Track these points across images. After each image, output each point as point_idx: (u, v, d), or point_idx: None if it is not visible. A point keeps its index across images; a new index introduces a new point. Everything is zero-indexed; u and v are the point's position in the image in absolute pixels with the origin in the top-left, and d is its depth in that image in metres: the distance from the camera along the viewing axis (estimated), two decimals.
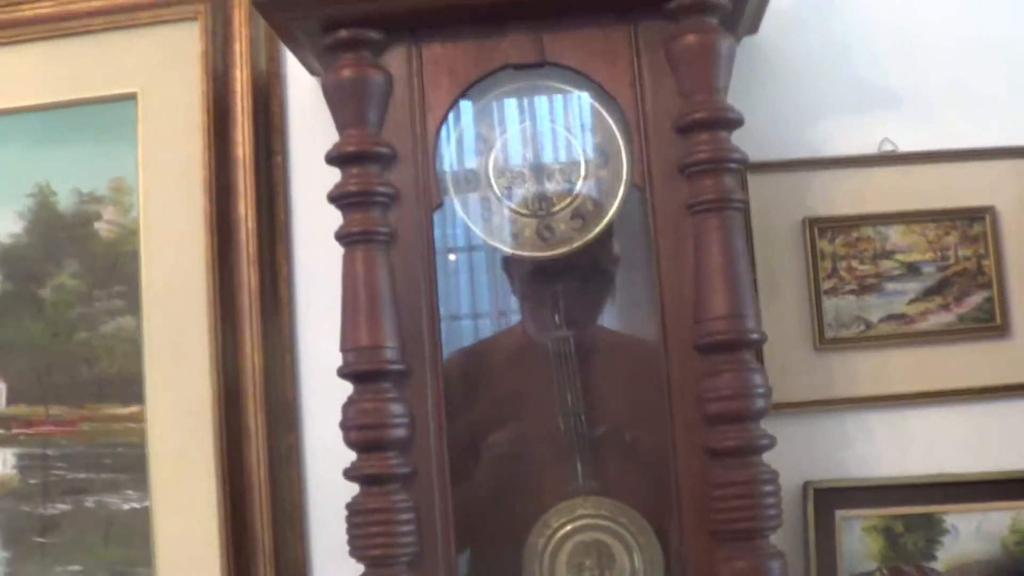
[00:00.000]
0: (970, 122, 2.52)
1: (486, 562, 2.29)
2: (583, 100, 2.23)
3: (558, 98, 2.26)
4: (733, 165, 2.08)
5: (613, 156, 2.19)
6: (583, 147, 2.22)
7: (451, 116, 2.20)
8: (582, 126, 2.24)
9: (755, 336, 2.04)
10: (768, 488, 2.00)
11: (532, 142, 2.24)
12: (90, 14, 2.66)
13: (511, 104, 2.25)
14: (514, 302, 2.40)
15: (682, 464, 2.05)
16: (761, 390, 2.02)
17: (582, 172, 2.21)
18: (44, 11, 2.67)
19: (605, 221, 2.17)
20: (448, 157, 2.23)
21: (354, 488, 2.12)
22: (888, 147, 2.51)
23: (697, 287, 2.05)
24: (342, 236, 2.12)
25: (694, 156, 2.06)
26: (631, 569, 2.21)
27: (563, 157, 2.23)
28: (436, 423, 2.10)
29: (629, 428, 2.29)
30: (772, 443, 2.03)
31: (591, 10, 2.15)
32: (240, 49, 2.62)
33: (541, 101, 2.26)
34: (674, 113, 2.10)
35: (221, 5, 2.61)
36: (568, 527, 2.23)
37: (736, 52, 2.22)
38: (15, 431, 2.64)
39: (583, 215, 2.18)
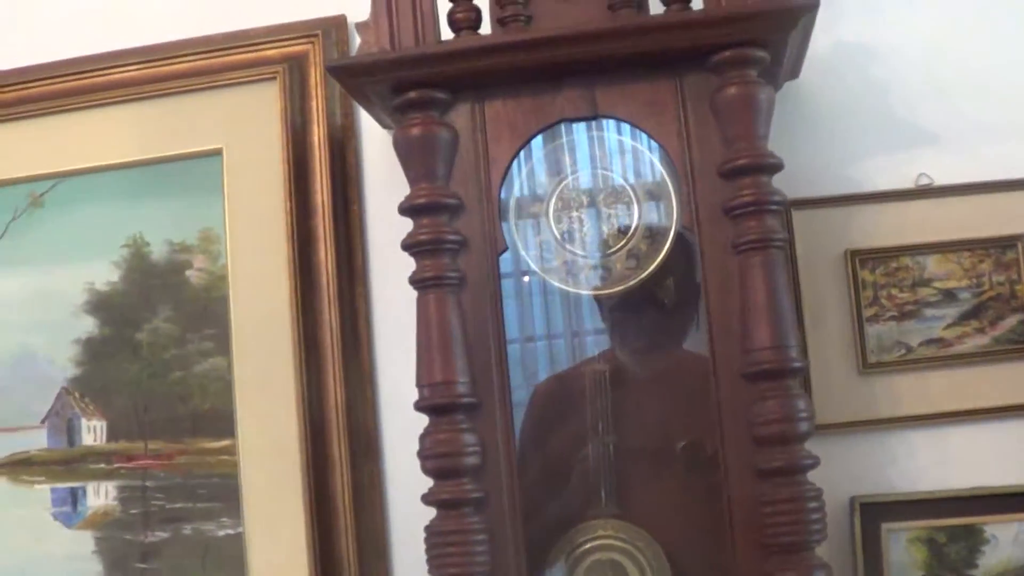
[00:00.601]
0: (1001, 155, 2.59)
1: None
2: (635, 149, 2.34)
3: (611, 148, 2.37)
4: (774, 207, 2.18)
5: (664, 200, 2.32)
6: (635, 192, 2.34)
7: (513, 167, 2.32)
8: (634, 173, 2.35)
9: (797, 364, 2.14)
10: (813, 504, 2.10)
11: (588, 189, 2.36)
12: (175, 76, 2.81)
13: (568, 154, 2.37)
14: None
15: (733, 483, 2.16)
16: (804, 414, 2.12)
17: (635, 215, 2.33)
18: (132, 74, 2.83)
19: (658, 260, 2.29)
20: (512, 205, 2.35)
21: (431, 512, 2.23)
22: (924, 181, 2.59)
23: (743, 320, 2.15)
24: (415, 281, 2.25)
25: (738, 199, 2.17)
26: None
27: (617, 202, 2.35)
28: (506, 450, 2.22)
29: (679, 447, 2.39)
30: (816, 463, 2.13)
31: (639, 65, 2.25)
32: (316, 106, 2.75)
33: (596, 151, 2.37)
34: (718, 159, 2.20)
35: (297, 65, 2.74)
36: (588, 545, 2.37)
37: (775, 100, 2.31)
38: (116, 465, 2.78)
39: (637, 255, 2.30)
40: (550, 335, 2.52)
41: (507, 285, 2.37)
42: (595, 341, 2.49)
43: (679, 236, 2.28)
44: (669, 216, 2.31)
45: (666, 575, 2.33)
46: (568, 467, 2.43)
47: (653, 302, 2.44)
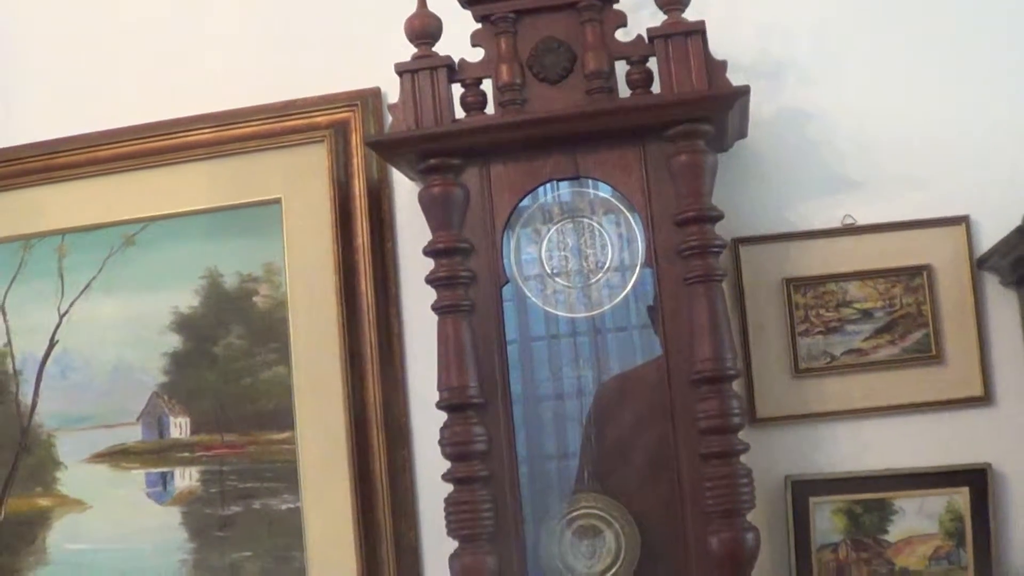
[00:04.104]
0: (911, 200, 2.89)
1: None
2: (609, 202, 2.73)
3: (591, 202, 2.74)
4: (715, 249, 2.57)
5: (631, 243, 2.70)
6: (609, 237, 2.73)
7: (513, 217, 2.71)
8: (608, 221, 2.73)
9: (732, 372, 2.54)
10: (744, 481, 2.51)
11: (573, 234, 2.74)
12: (242, 139, 3.11)
13: (556, 206, 2.75)
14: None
15: (683, 465, 2.57)
16: (737, 411, 2.53)
17: (608, 255, 2.73)
18: (206, 136, 3.13)
19: (626, 291, 2.71)
20: (512, 246, 2.73)
21: (449, 487, 2.61)
22: (849, 221, 2.90)
23: (691, 337, 2.56)
24: (436, 308, 2.64)
25: (687, 243, 2.57)
26: (615, 548, 2.69)
27: (595, 245, 2.73)
28: (506, 439, 2.62)
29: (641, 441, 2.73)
30: (746, 448, 2.53)
31: (613, 137, 2.64)
32: (357, 163, 3.06)
33: (577, 205, 2.75)
34: (673, 211, 2.59)
35: (342, 131, 3.07)
36: (573, 514, 2.71)
37: (725, 159, 2.76)
38: (198, 454, 3.09)
39: (610, 286, 2.72)
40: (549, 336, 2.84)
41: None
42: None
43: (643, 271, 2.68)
44: (635, 255, 2.70)
45: (635, 536, 2.67)
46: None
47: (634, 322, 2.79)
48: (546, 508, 2.74)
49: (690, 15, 2.68)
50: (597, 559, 2.70)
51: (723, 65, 2.67)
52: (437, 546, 2.83)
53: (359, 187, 3.08)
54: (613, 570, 2.70)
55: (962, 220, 2.91)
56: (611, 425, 2.78)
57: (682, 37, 2.65)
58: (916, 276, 2.91)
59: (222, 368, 3.12)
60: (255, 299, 3.12)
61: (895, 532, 2.83)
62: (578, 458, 2.77)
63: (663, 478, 2.64)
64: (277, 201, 3.12)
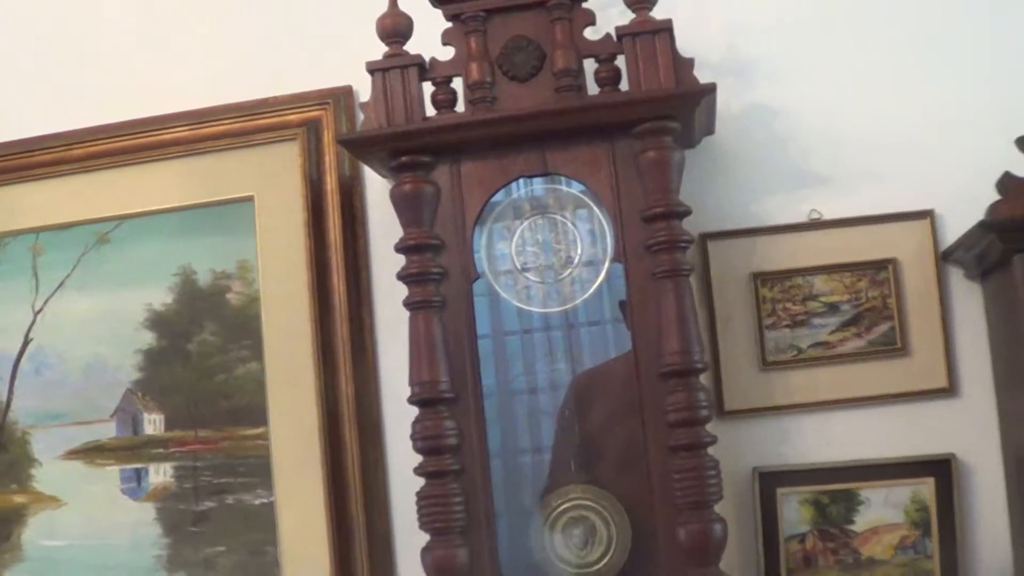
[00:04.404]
0: (876, 195, 2.92)
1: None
2: (578, 198, 2.75)
3: (560, 198, 2.77)
4: (683, 244, 2.60)
5: (600, 239, 2.73)
6: (579, 233, 2.75)
7: (483, 213, 2.73)
8: (578, 217, 2.76)
9: (700, 365, 2.57)
10: (711, 472, 2.53)
11: (543, 230, 2.77)
12: (215, 137, 3.12)
13: (526, 203, 2.78)
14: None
15: (652, 457, 2.60)
16: (705, 403, 2.56)
17: (579, 250, 2.75)
18: (179, 135, 3.14)
19: (595, 286, 2.74)
20: (483, 242, 2.75)
21: (421, 481, 2.61)
22: (815, 216, 2.93)
23: (659, 332, 2.59)
24: (408, 304, 2.66)
25: (655, 239, 2.59)
26: (607, 536, 2.72)
27: (565, 241, 2.75)
28: (477, 434, 2.64)
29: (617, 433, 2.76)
30: (714, 440, 2.56)
31: (582, 134, 2.66)
32: (329, 161, 3.07)
33: (547, 200, 2.78)
34: (641, 207, 2.61)
35: (314, 129, 3.08)
36: (563, 506, 2.75)
37: (695, 154, 2.80)
38: (172, 450, 3.10)
39: (580, 281, 2.75)
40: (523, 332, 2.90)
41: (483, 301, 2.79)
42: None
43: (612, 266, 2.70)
44: (605, 250, 2.73)
45: (625, 526, 2.71)
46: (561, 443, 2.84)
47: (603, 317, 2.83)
48: (525, 501, 2.80)
49: (658, 13, 2.70)
50: (590, 549, 2.74)
51: (690, 63, 2.70)
52: (409, 539, 2.84)
53: (331, 184, 3.10)
54: (606, 559, 2.74)
55: (927, 214, 2.95)
56: (593, 416, 2.82)
57: (650, 35, 2.68)
58: (882, 270, 2.94)
59: (196, 365, 3.13)
60: (228, 296, 3.13)
61: (861, 522, 2.87)
62: (564, 450, 2.82)
63: (636, 470, 2.67)
64: (250, 199, 3.13)
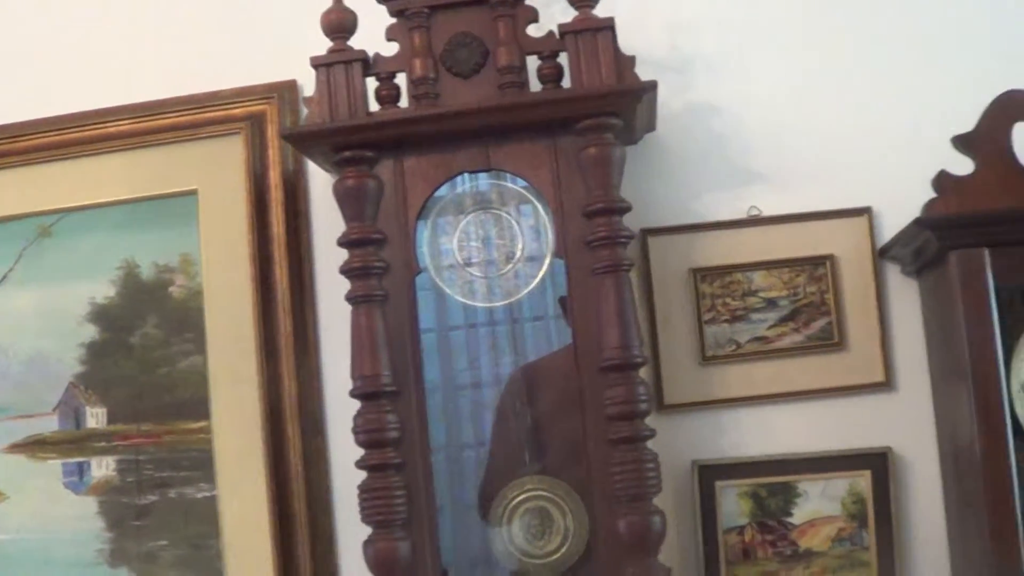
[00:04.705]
0: (814, 192, 2.96)
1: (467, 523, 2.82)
2: (520, 194, 2.78)
3: (503, 193, 2.80)
4: (623, 240, 2.62)
5: (542, 234, 2.75)
6: (521, 228, 2.78)
7: (426, 208, 2.74)
8: (520, 213, 2.78)
9: (639, 360, 2.59)
10: (650, 466, 2.56)
11: (484, 225, 2.79)
12: (159, 130, 3.11)
13: (469, 198, 2.80)
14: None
15: (592, 451, 2.62)
16: (644, 397, 2.58)
17: (520, 246, 2.77)
18: (124, 128, 3.13)
19: (537, 280, 2.76)
20: (426, 237, 2.77)
21: (363, 474, 2.62)
22: (754, 212, 2.97)
23: (599, 327, 2.61)
24: (350, 298, 2.67)
25: (595, 234, 2.61)
26: (565, 527, 2.75)
27: (507, 236, 2.78)
28: (419, 427, 2.66)
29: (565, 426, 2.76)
30: (653, 434, 2.58)
31: (524, 130, 2.68)
32: (273, 155, 3.07)
33: (490, 196, 2.80)
34: (583, 203, 2.63)
35: (258, 123, 3.08)
36: (520, 497, 2.78)
37: (637, 150, 2.83)
38: (115, 443, 3.08)
39: (522, 276, 2.77)
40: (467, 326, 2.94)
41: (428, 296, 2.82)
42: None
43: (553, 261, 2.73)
44: (546, 246, 2.76)
45: (583, 516, 2.73)
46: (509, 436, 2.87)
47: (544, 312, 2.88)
48: (472, 494, 2.84)
49: (600, 11, 2.73)
50: (547, 539, 2.77)
51: (632, 60, 2.73)
52: (352, 532, 2.83)
53: (275, 179, 3.10)
54: (564, 549, 2.77)
55: (864, 211, 2.99)
56: (539, 409, 2.86)
57: (592, 33, 2.70)
58: (819, 266, 2.98)
59: (138, 358, 3.12)
60: (171, 289, 3.12)
61: (799, 515, 2.90)
62: (516, 442, 2.85)
63: (578, 464, 2.70)
64: (193, 192, 3.12)
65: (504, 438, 2.90)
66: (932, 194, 2.71)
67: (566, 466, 2.80)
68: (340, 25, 2.76)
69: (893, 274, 2.99)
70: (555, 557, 2.77)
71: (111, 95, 3.19)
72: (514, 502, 2.79)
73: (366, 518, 2.64)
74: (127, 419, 3.12)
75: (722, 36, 3.08)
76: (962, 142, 2.72)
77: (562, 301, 2.78)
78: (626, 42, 2.75)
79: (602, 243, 2.65)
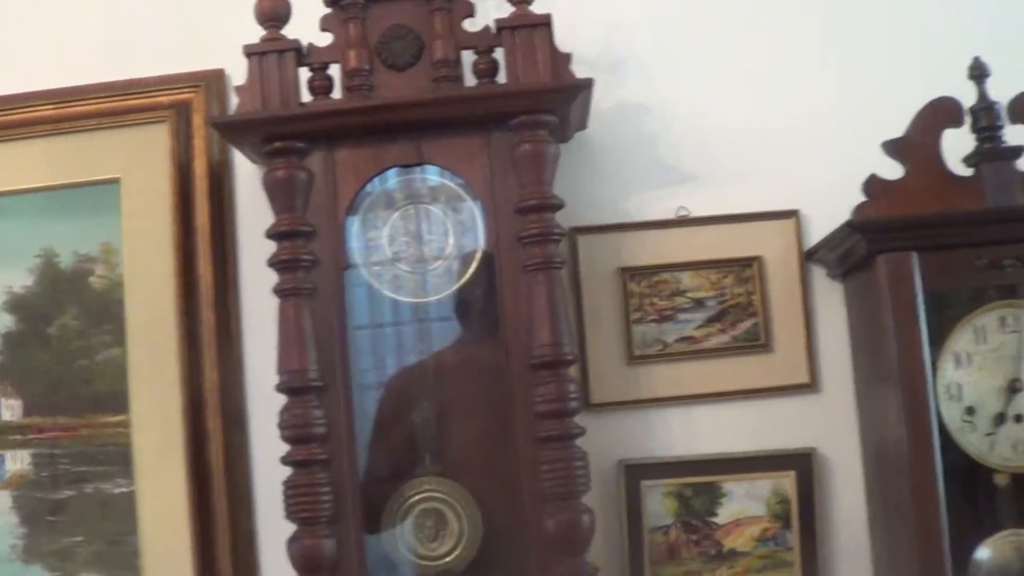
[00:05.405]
0: (743, 193, 2.99)
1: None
2: (452, 189, 2.76)
3: (435, 188, 2.77)
4: (555, 237, 2.62)
5: (473, 230, 2.73)
6: (452, 224, 2.76)
7: (357, 202, 2.72)
8: (452, 208, 2.75)
9: (569, 358, 2.59)
10: (579, 464, 2.56)
11: (415, 220, 2.77)
12: (82, 116, 3.06)
13: (400, 192, 2.77)
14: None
15: (521, 449, 2.61)
16: (574, 395, 2.58)
17: (451, 242, 2.76)
18: (45, 113, 3.07)
19: (467, 276, 2.74)
20: (356, 231, 2.74)
21: (288, 470, 2.60)
22: (683, 213, 2.98)
23: (530, 323, 2.60)
24: (278, 291, 2.64)
25: (527, 231, 2.61)
26: (459, 529, 2.74)
27: (437, 231, 2.76)
28: (346, 423, 2.63)
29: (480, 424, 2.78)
30: (582, 432, 2.57)
31: (458, 125, 2.67)
32: (199, 144, 3.04)
33: (422, 190, 2.77)
34: (515, 199, 2.63)
35: (184, 111, 3.04)
36: (416, 497, 2.76)
37: (567, 149, 2.80)
38: (30, 436, 3.03)
39: (451, 272, 2.75)
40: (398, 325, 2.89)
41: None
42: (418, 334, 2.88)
43: (485, 257, 2.72)
44: (477, 242, 2.74)
45: (477, 519, 2.73)
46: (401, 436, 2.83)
47: (468, 309, 2.85)
48: (387, 492, 2.78)
49: (537, 8, 2.73)
50: (440, 542, 2.74)
51: (568, 58, 2.73)
52: (273, 530, 2.81)
53: (200, 168, 3.07)
54: (455, 552, 2.75)
55: (792, 214, 3.02)
56: (449, 407, 2.83)
57: (528, 29, 2.71)
58: (747, 267, 3.01)
59: (56, 349, 3.07)
60: (91, 280, 3.07)
61: (724, 514, 2.92)
62: (419, 441, 2.81)
63: (501, 461, 2.69)
64: (116, 181, 3.08)
65: (388, 441, 2.87)
66: (860, 198, 2.73)
67: (473, 467, 2.80)
68: (273, 13, 2.74)
69: (819, 277, 3.02)
70: (446, 560, 2.76)
71: (33, 79, 3.13)
72: (410, 501, 2.77)
73: (291, 515, 2.61)
74: (43, 412, 3.06)
75: (655, 37, 3.10)
76: (892, 147, 2.75)
77: (458, 296, 2.80)
78: (561, 40, 2.75)
79: (534, 240, 2.64)
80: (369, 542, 2.72)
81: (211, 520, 2.96)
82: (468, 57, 2.75)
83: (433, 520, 2.75)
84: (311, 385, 2.63)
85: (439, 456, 2.80)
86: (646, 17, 3.10)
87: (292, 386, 2.63)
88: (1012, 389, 2.72)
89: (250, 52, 2.73)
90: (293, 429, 2.62)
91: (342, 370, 2.67)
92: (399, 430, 2.83)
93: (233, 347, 3.04)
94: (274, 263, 2.68)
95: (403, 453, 2.82)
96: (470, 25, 2.76)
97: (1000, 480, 2.71)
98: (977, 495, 2.73)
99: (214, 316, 3.02)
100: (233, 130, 2.74)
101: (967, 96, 2.77)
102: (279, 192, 2.69)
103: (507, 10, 2.73)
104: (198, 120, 3.07)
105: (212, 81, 3.10)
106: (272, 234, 2.68)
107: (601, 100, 2.93)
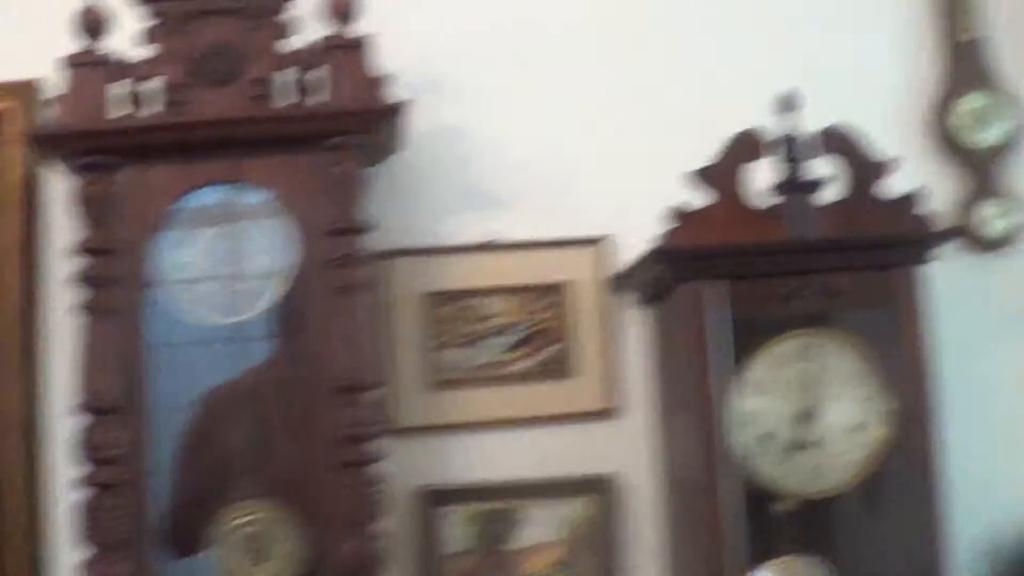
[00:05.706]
0: (553, 219, 3.03)
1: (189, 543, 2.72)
2: (264, 209, 2.72)
3: (249, 207, 2.72)
4: (362, 260, 2.63)
5: (283, 250, 2.70)
6: (262, 244, 2.72)
7: (167, 219, 2.67)
8: (262, 228, 2.72)
9: (370, 382, 2.61)
10: (374, 489, 2.57)
11: (230, 238, 2.73)
12: None
13: (212, 210, 2.72)
14: None
15: (321, 473, 2.60)
16: (374, 420, 2.60)
17: (260, 262, 2.72)
18: None
19: (278, 296, 2.70)
20: (163, 249, 2.69)
21: (82, 493, 2.56)
22: (492, 238, 3.01)
23: (332, 347, 2.61)
24: (80, 308, 2.60)
25: (336, 253, 2.62)
26: (280, 553, 2.67)
27: (249, 251, 2.72)
28: (145, 446, 2.60)
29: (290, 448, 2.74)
30: (379, 458, 2.58)
31: (273, 144, 2.66)
32: (12, 156, 2.96)
33: (234, 209, 2.72)
34: (326, 221, 2.63)
35: None
36: (235, 521, 2.69)
37: (382, 170, 2.83)
38: None
39: (263, 292, 2.72)
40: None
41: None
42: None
43: (297, 277, 2.70)
44: (286, 262, 2.71)
45: (299, 540, 2.67)
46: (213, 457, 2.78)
47: (281, 329, 2.80)
48: (196, 514, 2.72)
49: (356, 30, 2.74)
50: (261, 567, 2.70)
51: (385, 79, 2.74)
52: (67, 555, 2.77)
53: (13, 181, 3.01)
54: None
55: (600, 240, 3.07)
56: (259, 427, 2.78)
57: (346, 50, 2.72)
58: (554, 293, 3.04)
59: None
60: None
61: (521, 540, 2.95)
62: (236, 464, 2.76)
63: (315, 485, 2.67)
64: None
65: (199, 462, 2.81)
66: (668, 226, 2.77)
67: (287, 490, 2.74)
68: (91, 25, 2.70)
69: (626, 303, 3.06)
70: None
71: None
72: (227, 526, 2.71)
73: (87, 538, 2.57)
74: None
75: (471, 61, 3.11)
76: (698, 177, 2.80)
77: (289, 317, 2.76)
78: (387, 60, 2.77)
79: (341, 262, 2.65)
80: (184, 567, 2.71)
81: (5, 542, 2.91)
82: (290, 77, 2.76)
83: (255, 543, 2.70)
84: (111, 406, 2.59)
85: (256, 478, 2.74)
86: (462, 41, 3.12)
87: (92, 407, 2.59)
88: (806, 416, 2.78)
89: (64, 64, 2.69)
90: (92, 451, 2.58)
91: (143, 391, 2.63)
92: (210, 451, 2.78)
93: (37, 366, 2.97)
94: (77, 280, 2.64)
95: (216, 475, 2.75)
96: (292, 44, 2.76)
97: (785, 506, 2.76)
98: (769, 521, 2.76)
99: (20, 332, 2.96)
100: (42, 144, 2.70)
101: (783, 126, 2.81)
102: (87, 207, 2.66)
103: (328, 30, 2.75)
104: (10, 132, 3.00)
105: (24, 91, 3.01)
106: (77, 250, 2.64)
107: (416, 123, 2.93)
